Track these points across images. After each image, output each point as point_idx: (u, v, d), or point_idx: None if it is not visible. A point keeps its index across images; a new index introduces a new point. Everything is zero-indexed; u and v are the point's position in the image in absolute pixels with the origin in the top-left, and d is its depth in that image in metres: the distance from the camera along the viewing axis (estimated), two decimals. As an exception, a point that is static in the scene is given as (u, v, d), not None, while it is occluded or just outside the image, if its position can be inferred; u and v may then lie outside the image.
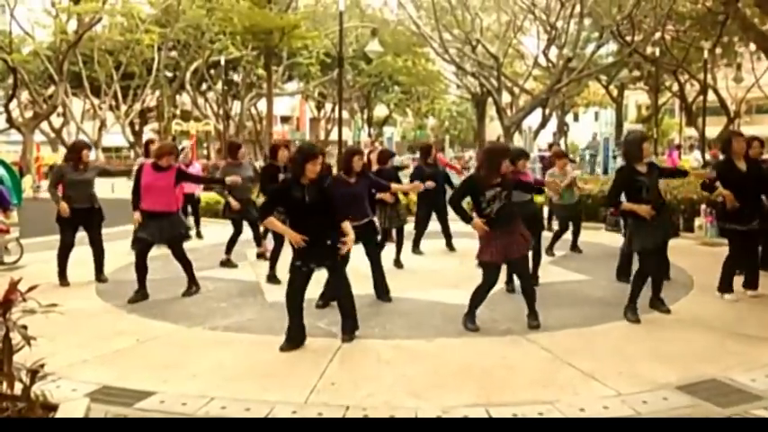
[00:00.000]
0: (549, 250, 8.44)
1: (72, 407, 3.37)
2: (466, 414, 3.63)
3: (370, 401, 3.82)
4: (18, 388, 3.23)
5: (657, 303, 5.65)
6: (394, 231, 7.96)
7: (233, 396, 3.89)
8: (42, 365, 3.31)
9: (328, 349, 4.75)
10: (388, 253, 7.56)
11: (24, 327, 3.19)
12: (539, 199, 11.68)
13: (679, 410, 3.65)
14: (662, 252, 5.84)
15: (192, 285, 6.47)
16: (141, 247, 6.29)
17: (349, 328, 4.97)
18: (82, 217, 6.91)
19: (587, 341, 4.95)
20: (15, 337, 3.17)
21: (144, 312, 5.82)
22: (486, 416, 3.61)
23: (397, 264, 7.80)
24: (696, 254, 8.48)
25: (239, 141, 9.03)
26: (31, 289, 3.33)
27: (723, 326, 5.28)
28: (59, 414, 3.26)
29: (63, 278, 6.88)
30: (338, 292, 5.02)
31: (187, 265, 6.45)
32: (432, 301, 6.02)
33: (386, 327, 5.34)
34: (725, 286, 6.13)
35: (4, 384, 3.20)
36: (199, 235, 10.09)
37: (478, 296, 5.27)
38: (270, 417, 3.63)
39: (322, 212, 4.74)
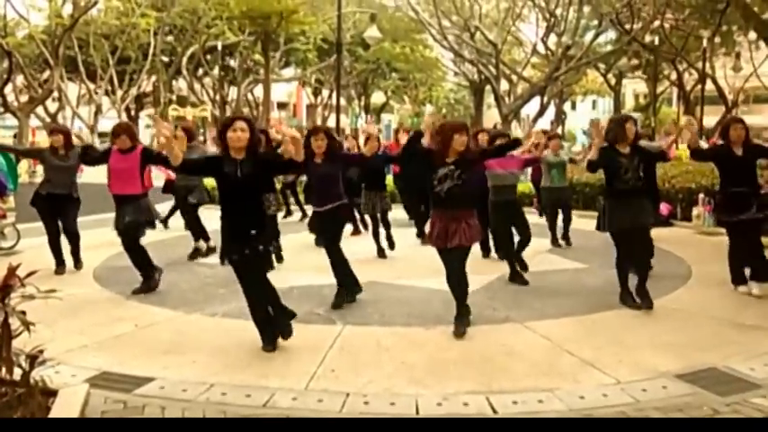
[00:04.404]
0: (554, 242, 8.40)
1: (71, 392, 3.37)
2: (466, 401, 3.63)
3: (370, 388, 3.82)
4: (17, 373, 3.22)
5: (642, 296, 5.38)
6: (369, 218, 7.94)
7: (233, 383, 3.89)
8: (41, 351, 3.31)
9: (328, 336, 4.74)
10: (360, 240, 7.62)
11: (23, 312, 3.18)
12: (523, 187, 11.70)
13: (678, 399, 3.66)
14: (639, 238, 5.44)
15: (146, 285, 6.00)
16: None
17: (283, 330, 4.47)
18: (59, 203, 6.74)
19: (586, 329, 4.96)
20: (14, 323, 3.16)
21: (142, 298, 5.81)
22: (487, 403, 3.60)
23: (381, 253, 7.70)
24: (694, 243, 8.50)
25: (189, 123, 8.64)
26: (29, 275, 3.32)
27: (722, 315, 5.29)
28: (59, 399, 3.25)
29: (60, 266, 6.79)
30: (248, 290, 4.40)
31: (137, 257, 6.02)
32: (431, 289, 6.00)
33: (385, 314, 5.34)
34: (736, 279, 5.96)
35: (4, 370, 3.19)
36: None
37: (450, 286, 5.03)
38: (269, 410, 3.63)
39: (255, 193, 4.37)
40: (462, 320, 4.87)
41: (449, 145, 4.73)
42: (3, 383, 3.22)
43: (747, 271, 5.93)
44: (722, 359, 4.22)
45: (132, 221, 5.97)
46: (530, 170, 10.70)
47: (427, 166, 4.84)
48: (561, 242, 8.41)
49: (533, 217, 9.50)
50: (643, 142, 6.62)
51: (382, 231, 7.90)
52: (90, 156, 6.74)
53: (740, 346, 4.51)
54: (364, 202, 7.86)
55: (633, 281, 5.51)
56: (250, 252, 4.31)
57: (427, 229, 5.17)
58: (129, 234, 6.00)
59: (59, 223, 6.84)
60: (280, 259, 7.00)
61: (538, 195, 10.44)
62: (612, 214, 5.42)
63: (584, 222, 9.04)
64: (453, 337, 4.76)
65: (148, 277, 6.06)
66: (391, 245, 7.92)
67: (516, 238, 6.75)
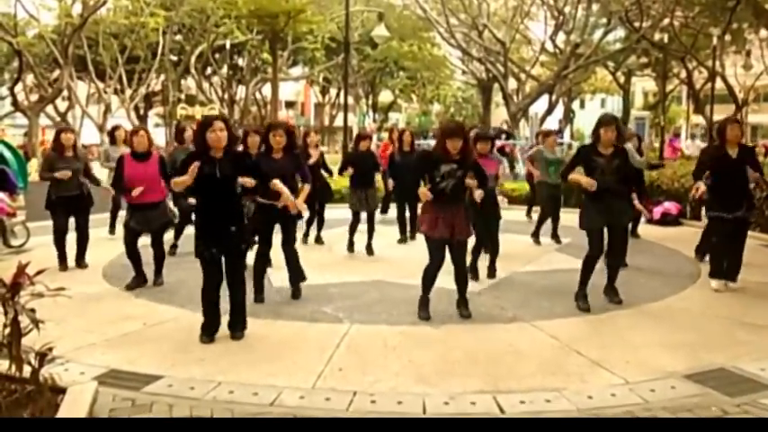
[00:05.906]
0: (535, 236, 8.40)
1: (80, 390, 3.39)
2: (473, 401, 3.62)
3: (377, 387, 3.82)
4: (27, 371, 3.24)
5: (610, 292, 5.60)
6: (351, 213, 7.86)
7: (240, 381, 3.89)
8: (50, 349, 3.33)
9: (335, 335, 4.75)
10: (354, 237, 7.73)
11: (33, 310, 3.20)
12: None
13: (687, 399, 3.64)
14: (615, 237, 5.55)
15: (158, 277, 6.26)
16: (130, 237, 6.13)
17: (239, 327, 4.72)
18: (72, 203, 6.87)
19: (594, 329, 4.94)
20: (24, 321, 3.18)
21: (151, 296, 5.83)
22: (494, 403, 3.60)
23: (369, 250, 7.66)
24: (703, 242, 8.43)
25: (185, 124, 8.56)
26: (38, 273, 3.34)
27: (731, 314, 5.26)
28: (68, 397, 3.27)
29: (63, 263, 6.86)
30: (231, 284, 4.66)
31: (161, 256, 6.28)
32: (438, 288, 5.97)
33: (392, 313, 5.34)
34: (714, 272, 6.07)
35: (13, 367, 3.21)
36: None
37: (428, 278, 5.21)
38: (276, 408, 3.64)
39: (232, 191, 4.55)
40: (467, 303, 5.24)
41: (445, 148, 5.02)
42: (12, 381, 3.24)
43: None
44: (731, 359, 4.20)
45: (163, 224, 6.32)
46: (526, 167, 10.75)
47: (428, 165, 5.12)
48: (551, 240, 8.39)
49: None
50: (629, 145, 6.66)
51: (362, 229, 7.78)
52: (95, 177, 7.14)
53: (750, 346, 4.48)
54: (351, 199, 7.78)
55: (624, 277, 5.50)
56: (231, 248, 4.58)
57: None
58: (161, 233, 6.32)
59: (71, 221, 6.93)
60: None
61: (533, 195, 10.38)
62: (588, 212, 5.50)
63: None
64: (462, 319, 5.09)
65: (160, 271, 6.31)
66: (370, 250, 7.70)
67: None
